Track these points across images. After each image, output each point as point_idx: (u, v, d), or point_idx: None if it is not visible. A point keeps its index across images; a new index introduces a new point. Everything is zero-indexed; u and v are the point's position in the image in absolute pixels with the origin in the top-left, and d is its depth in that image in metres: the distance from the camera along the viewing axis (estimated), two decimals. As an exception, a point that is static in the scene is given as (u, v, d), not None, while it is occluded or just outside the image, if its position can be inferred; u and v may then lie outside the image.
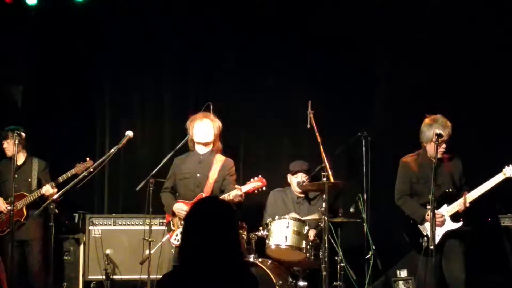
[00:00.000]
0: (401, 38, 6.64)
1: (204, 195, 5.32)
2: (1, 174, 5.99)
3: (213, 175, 5.41)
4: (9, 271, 5.53)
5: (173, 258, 5.47)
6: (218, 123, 5.52)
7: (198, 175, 5.43)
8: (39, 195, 5.81)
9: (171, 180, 5.57)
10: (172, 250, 5.49)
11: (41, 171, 6.04)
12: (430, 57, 6.61)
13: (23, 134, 5.72)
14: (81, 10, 6.68)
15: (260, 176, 5.28)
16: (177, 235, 5.37)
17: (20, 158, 5.96)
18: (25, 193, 5.86)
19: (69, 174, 5.79)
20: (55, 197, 5.25)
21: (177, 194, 5.54)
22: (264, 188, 5.29)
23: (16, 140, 5.57)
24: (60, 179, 5.81)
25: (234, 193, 5.19)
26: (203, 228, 2.58)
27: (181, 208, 5.36)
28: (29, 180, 5.96)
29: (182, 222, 5.24)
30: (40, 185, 5.93)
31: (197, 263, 2.54)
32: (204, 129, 5.45)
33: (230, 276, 2.56)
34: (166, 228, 5.58)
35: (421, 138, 5.20)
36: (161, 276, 2.74)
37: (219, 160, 5.49)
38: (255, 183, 5.24)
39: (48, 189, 5.77)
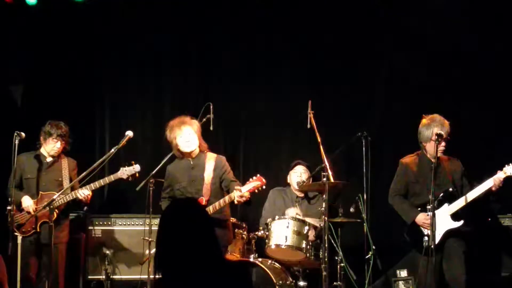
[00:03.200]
0: (401, 37, 6.64)
1: (204, 198, 5.25)
2: (23, 169, 5.58)
3: (208, 175, 5.30)
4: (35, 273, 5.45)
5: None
6: (196, 124, 5.36)
7: (194, 181, 5.33)
8: (74, 197, 5.39)
9: (169, 190, 5.47)
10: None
11: (72, 171, 5.65)
12: (431, 56, 6.61)
13: (23, 134, 5.38)
14: (81, 10, 6.67)
15: (258, 175, 5.21)
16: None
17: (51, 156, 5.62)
18: (56, 193, 5.34)
19: (112, 178, 5.43)
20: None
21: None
22: (264, 187, 5.22)
23: (17, 140, 5.43)
24: (101, 182, 5.44)
25: (234, 195, 5.11)
26: (174, 230, 2.55)
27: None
28: (60, 179, 5.55)
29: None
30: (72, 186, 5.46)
31: (179, 266, 2.52)
32: (186, 137, 5.28)
33: (220, 270, 2.54)
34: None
35: (420, 138, 5.21)
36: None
37: (211, 158, 5.38)
38: (254, 183, 5.13)
39: (87, 192, 5.38)
